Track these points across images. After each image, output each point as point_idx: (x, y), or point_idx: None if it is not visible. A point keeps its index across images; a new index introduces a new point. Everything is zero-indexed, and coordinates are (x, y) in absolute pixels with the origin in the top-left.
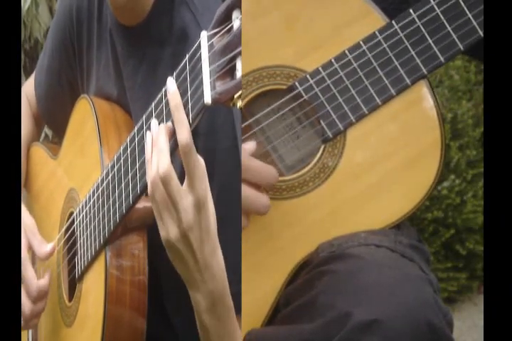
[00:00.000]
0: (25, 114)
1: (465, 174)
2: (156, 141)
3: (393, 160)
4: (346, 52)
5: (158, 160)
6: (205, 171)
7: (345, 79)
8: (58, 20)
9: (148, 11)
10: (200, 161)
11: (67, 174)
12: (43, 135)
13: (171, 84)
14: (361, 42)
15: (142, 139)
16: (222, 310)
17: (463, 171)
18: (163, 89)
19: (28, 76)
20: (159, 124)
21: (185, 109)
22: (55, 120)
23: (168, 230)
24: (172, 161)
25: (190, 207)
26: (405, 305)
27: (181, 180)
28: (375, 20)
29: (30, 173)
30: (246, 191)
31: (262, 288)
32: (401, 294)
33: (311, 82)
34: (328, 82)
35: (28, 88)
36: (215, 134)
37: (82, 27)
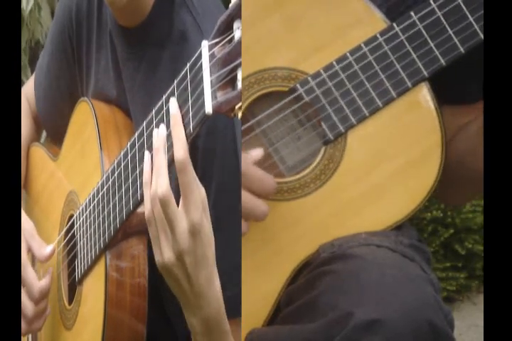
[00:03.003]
0: (24, 115)
1: None
2: (155, 160)
3: (394, 162)
4: (347, 54)
5: (156, 181)
6: (205, 199)
7: (346, 81)
8: (58, 20)
9: (147, 12)
10: (200, 189)
11: (67, 176)
12: (44, 134)
13: (174, 105)
14: (362, 45)
15: (143, 145)
16: (218, 334)
17: None
18: (164, 97)
19: (29, 77)
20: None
21: (185, 118)
22: (51, 122)
23: (163, 253)
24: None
25: (185, 231)
26: (406, 305)
27: (177, 200)
28: (377, 22)
29: (30, 174)
30: (245, 198)
31: (263, 288)
32: (402, 294)
33: (312, 83)
34: (330, 84)
35: (28, 89)
36: (215, 136)
37: (81, 27)
